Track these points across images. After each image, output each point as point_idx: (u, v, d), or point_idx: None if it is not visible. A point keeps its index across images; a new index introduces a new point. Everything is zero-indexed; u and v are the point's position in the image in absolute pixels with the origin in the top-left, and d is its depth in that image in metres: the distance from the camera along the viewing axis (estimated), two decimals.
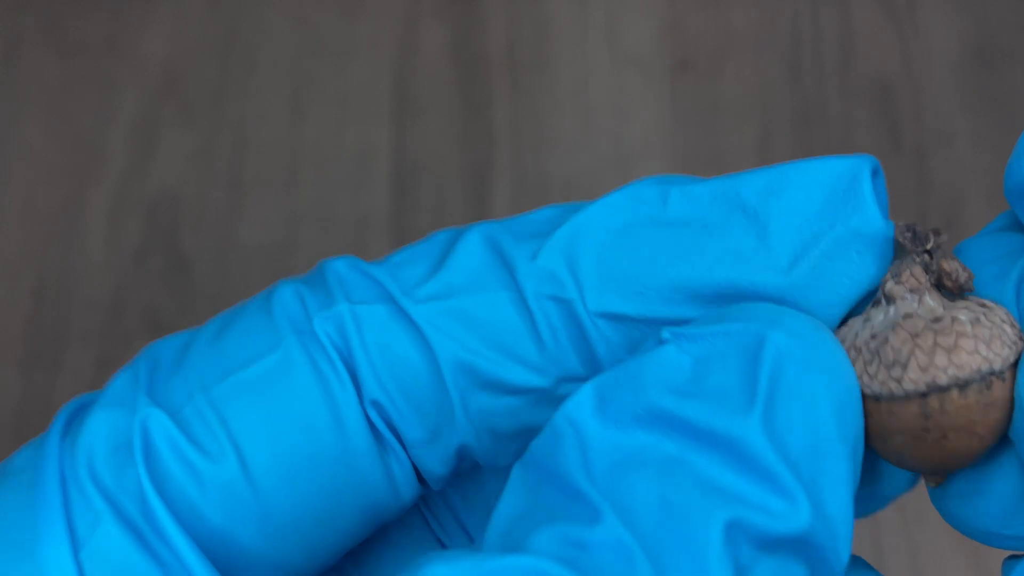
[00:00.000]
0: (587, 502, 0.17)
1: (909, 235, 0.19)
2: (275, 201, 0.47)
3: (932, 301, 0.19)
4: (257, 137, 0.48)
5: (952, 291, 0.20)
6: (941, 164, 0.47)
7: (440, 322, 0.20)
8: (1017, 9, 0.49)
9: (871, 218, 0.19)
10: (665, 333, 0.18)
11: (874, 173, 0.20)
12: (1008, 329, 0.19)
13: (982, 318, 0.19)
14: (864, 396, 0.19)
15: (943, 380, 0.19)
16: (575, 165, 0.47)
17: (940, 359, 0.19)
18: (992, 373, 0.19)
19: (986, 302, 0.19)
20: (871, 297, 0.20)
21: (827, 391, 0.18)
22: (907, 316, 0.19)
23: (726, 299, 0.19)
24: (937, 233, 0.20)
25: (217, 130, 0.48)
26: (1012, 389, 0.19)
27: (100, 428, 0.19)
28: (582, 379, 0.20)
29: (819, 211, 0.19)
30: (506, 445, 0.21)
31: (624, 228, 0.20)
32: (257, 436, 0.19)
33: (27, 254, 0.47)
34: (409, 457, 0.20)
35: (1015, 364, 0.19)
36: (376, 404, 0.20)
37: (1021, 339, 0.19)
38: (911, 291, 0.19)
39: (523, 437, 0.20)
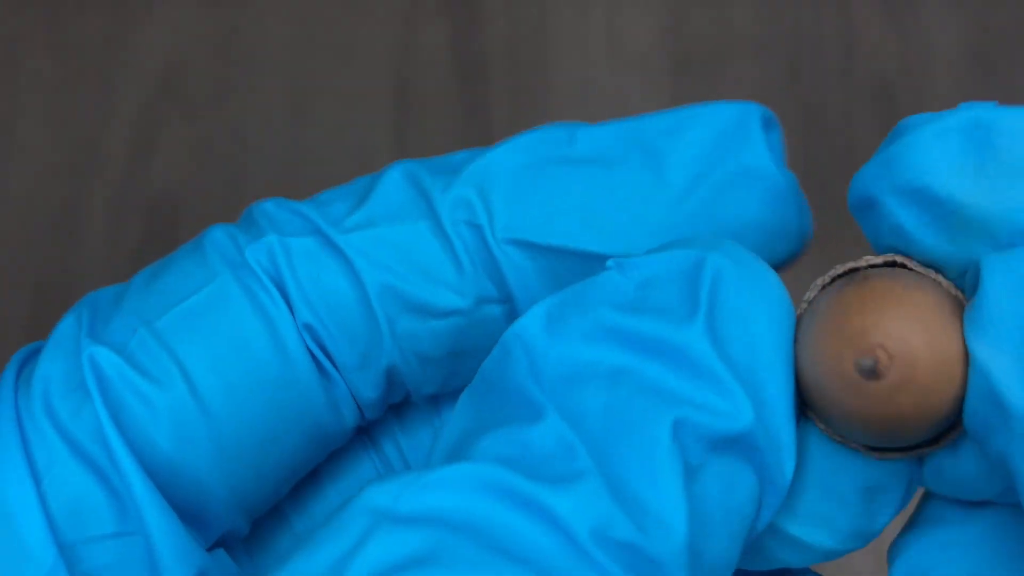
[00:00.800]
0: (532, 403, 0.18)
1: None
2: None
3: None
4: (257, 136, 0.48)
5: None
6: None
7: (366, 250, 0.21)
8: (1018, 9, 0.49)
9: (758, 155, 0.21)
10: (609, 263, 0.19)
11: (768, 124, 0.21)
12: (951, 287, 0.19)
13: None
14: (799, 320, 0.19)
15: (876, 261, 0.19)
16: None
17: (875, 258, 0.19)
18: (928, 278, 0.18)
19: None
20: (755, 228, 0.21)
21: (763, 309, 0.18)
22: None
23: (626, 231, 0.21)
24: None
25: (217, 129, 0.48)
26: (951, 313, 0.18)
27: (51, 371, 0.20)
28: (498, 301, 0.21)
29: (712, 148, 0.21)
30: (433, 370, 0.21)
31: (533, 164, 0.21)
32: (202, 361, 0.20)
33: (27, 253, 0.47)
34: (345, 382, 0.21)
35: (954, 299, 0.18)
36: (309, 328, 0.21)
37: (960, 300, 0.19)
38: None
39: (448, 361, 0.21)
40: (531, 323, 0.18)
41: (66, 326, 0.21)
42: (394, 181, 0.22)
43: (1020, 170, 0.18)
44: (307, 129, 0.48)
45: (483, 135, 0.48)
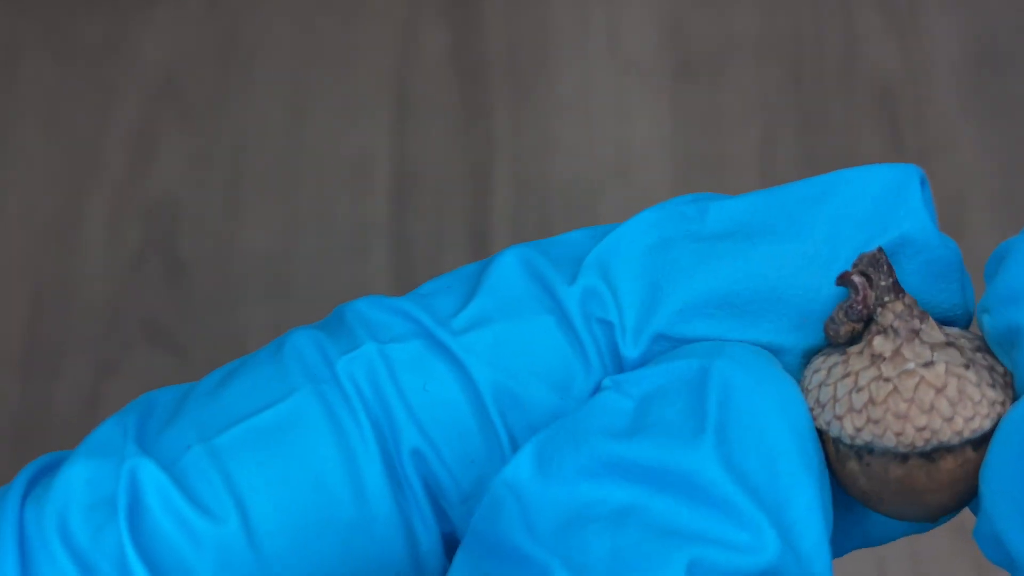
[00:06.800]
0: (534, 563, 0.16)
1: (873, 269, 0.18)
2: (274, 206, 0.47)
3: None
4: (256, 142, 0.48)
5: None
6: (943, 168, 0.47)
7: (483, 352, 0.18)
8: (1019, 13, 0.49)
9: (920, 224, 0.18)
10: (606, 381, 0.17)
11: (922, 183, 0.19)
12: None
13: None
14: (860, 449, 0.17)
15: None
16: (575, 170, 0.47)
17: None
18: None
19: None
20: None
21: (782, 418, 0.17)
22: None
23: (773, 314, 0.18)
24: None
25: (216, 135, 0.48)
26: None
27: (77, 480, 0.17)
28: None
29: (869, 216, 0.18)
30: None
31: (661, 243, 0.18)
32: (263, 494, 0.17)
33: (25, 260, 0.47)
34: (438, 525, 0.18)
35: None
36: (417, 454, 0.17)
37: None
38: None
39: None
40: (520, 467, 0.16)
41: (106, 431, 0.18)
42: (509, 269, 0.18)
43: None
44: (306, 136, 0.48)
45: (483, 140, 0.48)
